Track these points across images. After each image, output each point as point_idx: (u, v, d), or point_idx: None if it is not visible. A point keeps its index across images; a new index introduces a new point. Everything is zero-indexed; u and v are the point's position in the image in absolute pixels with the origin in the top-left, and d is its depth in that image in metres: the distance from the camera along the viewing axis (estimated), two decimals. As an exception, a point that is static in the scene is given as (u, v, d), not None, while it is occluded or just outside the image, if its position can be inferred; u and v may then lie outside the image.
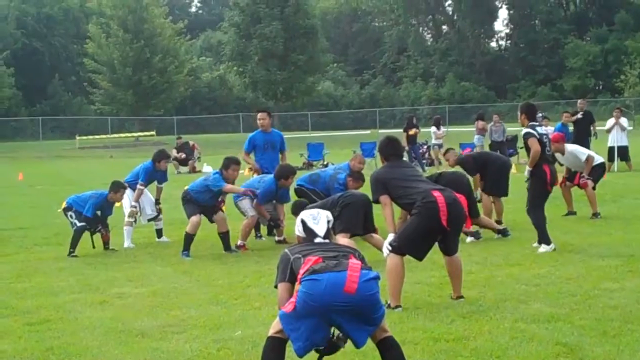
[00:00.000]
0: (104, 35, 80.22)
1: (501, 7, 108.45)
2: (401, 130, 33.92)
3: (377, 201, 9.72)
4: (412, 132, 32.11)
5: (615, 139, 28.03)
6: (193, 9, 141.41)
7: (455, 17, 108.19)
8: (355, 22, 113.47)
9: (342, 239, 11.15)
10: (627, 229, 14.79)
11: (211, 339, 8.32)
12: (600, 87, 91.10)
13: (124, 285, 11.45)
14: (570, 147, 17.07)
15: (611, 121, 28.55)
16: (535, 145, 12.61)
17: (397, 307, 9.10)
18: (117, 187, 14.92)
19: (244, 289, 10.82)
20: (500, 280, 10.67)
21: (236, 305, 9.83)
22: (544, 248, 12.65)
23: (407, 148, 32.91)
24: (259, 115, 16.39)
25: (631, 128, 35.08)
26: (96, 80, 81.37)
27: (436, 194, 9.14)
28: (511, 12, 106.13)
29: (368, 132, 66.19)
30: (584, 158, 16.60)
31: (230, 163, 14.24)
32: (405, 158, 33.36)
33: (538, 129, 12.82)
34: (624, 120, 28.80)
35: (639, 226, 15.04)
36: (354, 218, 11.86)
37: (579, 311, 8.81)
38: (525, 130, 12.88)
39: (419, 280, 10.70)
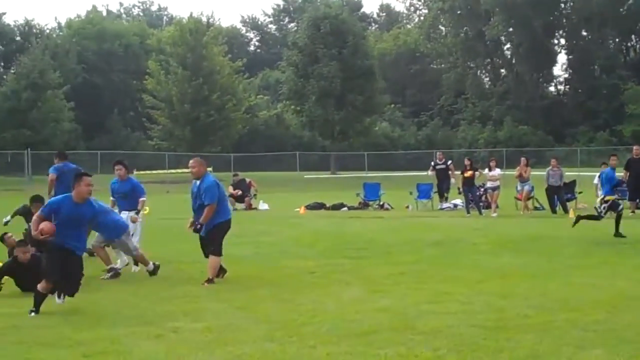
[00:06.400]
0: (163, 72, 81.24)
1: (560, 52, 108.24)
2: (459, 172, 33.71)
3: None
4: (468, 174, 32.01)
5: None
6: (252, 48, 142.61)
7: (513, 61, 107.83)
8: (413, 63, 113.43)
9: None
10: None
11: (265, 375, 8.30)
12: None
13: (179, 320, 11.41)
14: None
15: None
16: None
17: None
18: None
19: (299, 326, 10.76)
20: (558, 325, 10.52)
21: (291, 342, 9.76)
22: None
23: (461, 189, 32.80)
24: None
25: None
26: (154, 116, 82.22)
27: None
28: (570, 57, 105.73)
29: (425, 173, 65.98)
30: None
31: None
32: (462, 199, 33.39)
33: None
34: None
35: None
36: None
37: (638, 358, 8.68)
38: None
39: (475, 323, 10.63)
